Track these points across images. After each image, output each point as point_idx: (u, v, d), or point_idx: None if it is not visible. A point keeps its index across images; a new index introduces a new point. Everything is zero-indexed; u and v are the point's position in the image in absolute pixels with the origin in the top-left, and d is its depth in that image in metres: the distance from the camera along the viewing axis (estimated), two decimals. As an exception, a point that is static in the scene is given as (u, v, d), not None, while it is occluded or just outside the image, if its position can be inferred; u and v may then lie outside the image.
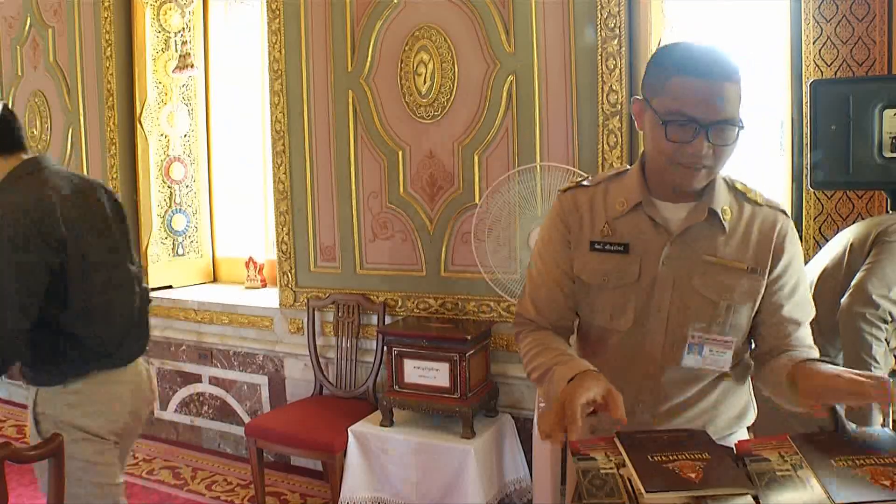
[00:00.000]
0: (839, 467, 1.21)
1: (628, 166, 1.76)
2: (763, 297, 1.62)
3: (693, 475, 1.19)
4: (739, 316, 1.61)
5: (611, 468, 1.26)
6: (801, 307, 1.66)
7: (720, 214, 1.60)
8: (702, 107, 1.46)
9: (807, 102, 2.79)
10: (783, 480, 1.20)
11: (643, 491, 1.16)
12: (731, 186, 1.65)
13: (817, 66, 2.91)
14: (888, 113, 2.40)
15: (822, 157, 2.56)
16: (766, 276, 1.60)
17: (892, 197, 2.57)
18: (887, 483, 1.16)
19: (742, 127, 1.50)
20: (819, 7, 2.89)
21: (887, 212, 2.62)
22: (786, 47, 3.04)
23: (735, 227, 1.61)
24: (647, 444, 1.31)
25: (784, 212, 1.65)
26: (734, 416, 1.71)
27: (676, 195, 1.61)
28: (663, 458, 1.25)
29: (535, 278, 1.80)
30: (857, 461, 1.22)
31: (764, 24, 3.27)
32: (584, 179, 1.80)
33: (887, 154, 2.41)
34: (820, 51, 2.90)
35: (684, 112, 1.47)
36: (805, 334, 1.67)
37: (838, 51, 2.89)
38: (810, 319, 1.69)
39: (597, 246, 1.68)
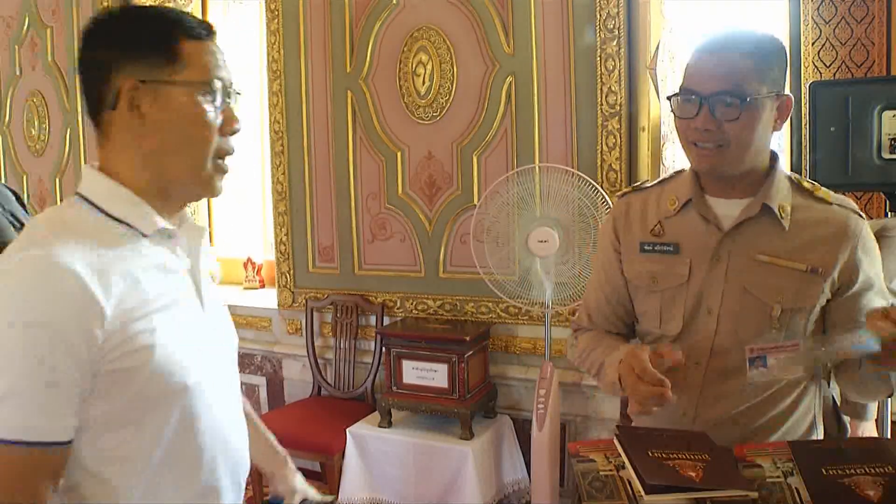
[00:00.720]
0: (829, 476, 1.21)
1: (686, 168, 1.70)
2: (843, 306, 1.52)
3: (693, 474, 1.19)
4: (796, 322, 1.52)
5: (610, 470, 1.26)
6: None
7: (776, 211, 1.52)
8: (701, 78, 1.46)
9: (806, 104, 2.79)
10: (772, 487, 1.20)
11: (643, 493, 1.16)
12: (796, 184, 1.58)
13: (816, 67, 2.91)
14: (887, 114, 2.40)
15: (821, 158, 2.56)
16: (829, 280, 1.50)
17: (890, 199, 2.57)
18: (871, 493, 1.16)
19: (748, 100, 1.42)
20: (818, 9, 2.90)
21: (886, 214, 2.62)
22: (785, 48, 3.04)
23: (798, 225, 1.52)
24: (648, 440, 1.31)
25: (858, 213, 1.53)
26: (800, 436, 1.59)
27: (730, 190, 1.56)
28: (663, 455, 1.25)
29: (588, 286, 1.82)
30: (847, 470, 1.21)
31: (763, 26, 3.27)
32: (644, 182, 1.76)
33: (886, 155, 2.41)
34: (819, 52, 2.91)
35: (686, 86, 1.48)
36: None
37: (837, 52, 2.89)
38: None
39: (646, 247, 1.64)
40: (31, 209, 5.23)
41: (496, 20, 3.47)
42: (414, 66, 3.70)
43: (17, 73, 5.27)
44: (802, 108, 2.90)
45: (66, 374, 1.01)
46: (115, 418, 1.08)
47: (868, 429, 2.31)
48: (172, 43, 1.15)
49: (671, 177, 1.71)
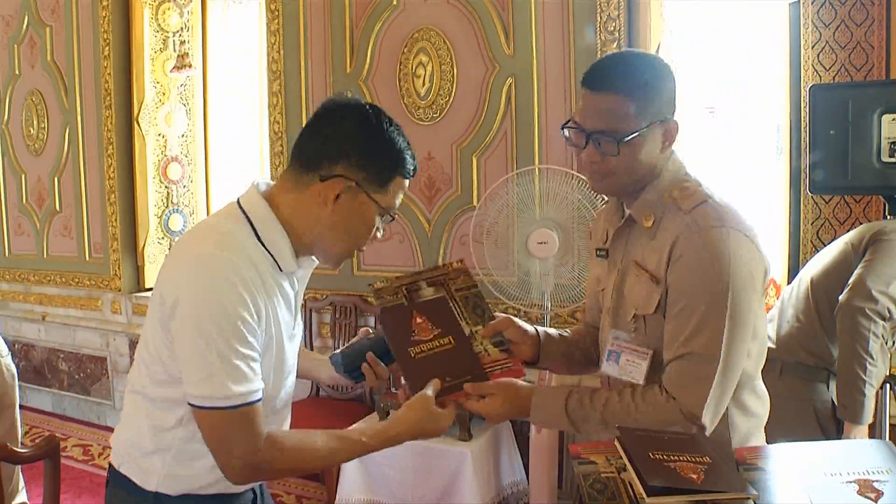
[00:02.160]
0: (830, 477, 1.21)
1: None
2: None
3: (694, 476, 1.19)
4: (651, 327, 1.53)
5: (612, 472, 1.26)
6: (678, 338, 1.47)
7: (635, 218, 1.57)
8: (584, 115, 1.52)
9: (805, 107, 2.79)
10: (772, 489, 1.21)
11: (644, 495, 1.16)
12: (668, 193, 1.54)
13: (816, 70, 2.92)
14: (886, 118, 2.41)
15: (821, 161, 2.56)
16: (664, 286, 1.50)
17: (889, 202, 2.57)
18: (872, 496, 1.16)
19: (625, 139, 1.47)
20: (818, 12, 2.90)
21: (885, 217, 2.62)
22: (785, 51, 3.05)
23: (660, 233, 1.53)
24: (649, 442, 1.31)
25: (696, 220, 1.47)
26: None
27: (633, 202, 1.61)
28: (664, 456, 1.25)
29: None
30: (849, 473, 1.22)
31: (763, 28, 3.27)
32: None
33: (886, 159, 2.42)
34: (819, 55, 2.91)
35: (575, 118, 1.54)
36: (675, 374, 1.48)
37: (837, 56, 2.90)
38: (700, 365, 1.46)
39: (598, 254, 1.74)
40: (29, 208, 5.25)
41: (496, 21, 3.47)
42: (414, 67, 3.70)
43: (17, 71, 5.27)
44: (802, 112, 2.91)
45: (256, 348, 1.39)
46: None
47: (862, 432, 2.32)
48: (394, 176, 1.48)
49: None
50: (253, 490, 1.61)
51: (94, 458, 4.49)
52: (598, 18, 3.24)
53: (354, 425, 1.51)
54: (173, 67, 4.79)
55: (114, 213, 4.81)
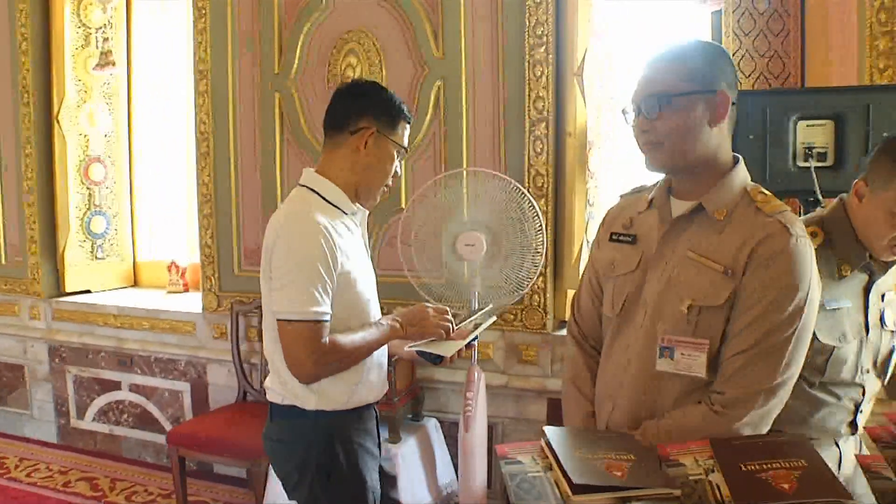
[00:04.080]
0: (748, 470, 1.24)
1: None
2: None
3: (619, 474, 1.21)
4: (709, 320, 1.54)
5: (538, 472, 1.27)
6: (751, 334, 1.50)
7: (707, 209, 1.58)
8: (637, 88, 1.60)
9: (726, 112, 2.87)
10: (694, 484, 1.23)
11: (570, 493, 1.18)
12: (746, 192, 1.60)
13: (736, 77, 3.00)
14: (802, 124, 2.49)
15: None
16: (738, 283, 1.51)
17: (804, 204, 2.66)
18: (786, 486, 1.19)
19: (668, 99, 1.53)
20: (738, 21, 2.99)
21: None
22: (706, 59, 3.13)
23: (733, 229, 1.55)
24: (575, 441, 1.33)
25: (786, 226, 1.51)
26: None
27: (688, 193, 1.63)
28: (590, 455, 1.27)
29: (582, 282, 1.92)
30: (765, 465, 1.25)
31: (687, 34, 3.35)
32: (642, 186, 1.84)
33: (801, 163, 2.49)
34: (739, 63, 3.00)
35: (631, 98, 1.62)
36: (736, 367, 1.51)
37: (756, 64, 2.99)
38: (766, 367, 1.50)
39: (613, 237, 1.77)
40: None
41: (426, 24, 3.48)
42: (343, 68, 3.68)
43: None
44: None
45: (329, 283, 1.93)
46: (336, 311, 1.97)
47: None
48: (400, 121, 2.11)
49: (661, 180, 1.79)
50: (373, 406, 2.19)
51: (10, 472, 4.33)
52: (528, 23, 3.27)
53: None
54: (96, 65, 4.67)
55: (32, 215, 4.65)
